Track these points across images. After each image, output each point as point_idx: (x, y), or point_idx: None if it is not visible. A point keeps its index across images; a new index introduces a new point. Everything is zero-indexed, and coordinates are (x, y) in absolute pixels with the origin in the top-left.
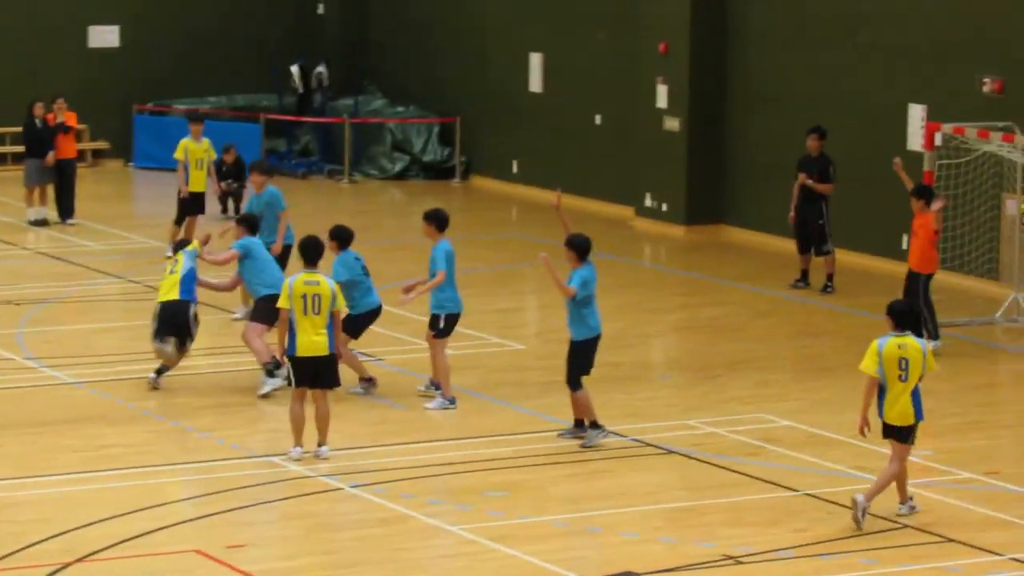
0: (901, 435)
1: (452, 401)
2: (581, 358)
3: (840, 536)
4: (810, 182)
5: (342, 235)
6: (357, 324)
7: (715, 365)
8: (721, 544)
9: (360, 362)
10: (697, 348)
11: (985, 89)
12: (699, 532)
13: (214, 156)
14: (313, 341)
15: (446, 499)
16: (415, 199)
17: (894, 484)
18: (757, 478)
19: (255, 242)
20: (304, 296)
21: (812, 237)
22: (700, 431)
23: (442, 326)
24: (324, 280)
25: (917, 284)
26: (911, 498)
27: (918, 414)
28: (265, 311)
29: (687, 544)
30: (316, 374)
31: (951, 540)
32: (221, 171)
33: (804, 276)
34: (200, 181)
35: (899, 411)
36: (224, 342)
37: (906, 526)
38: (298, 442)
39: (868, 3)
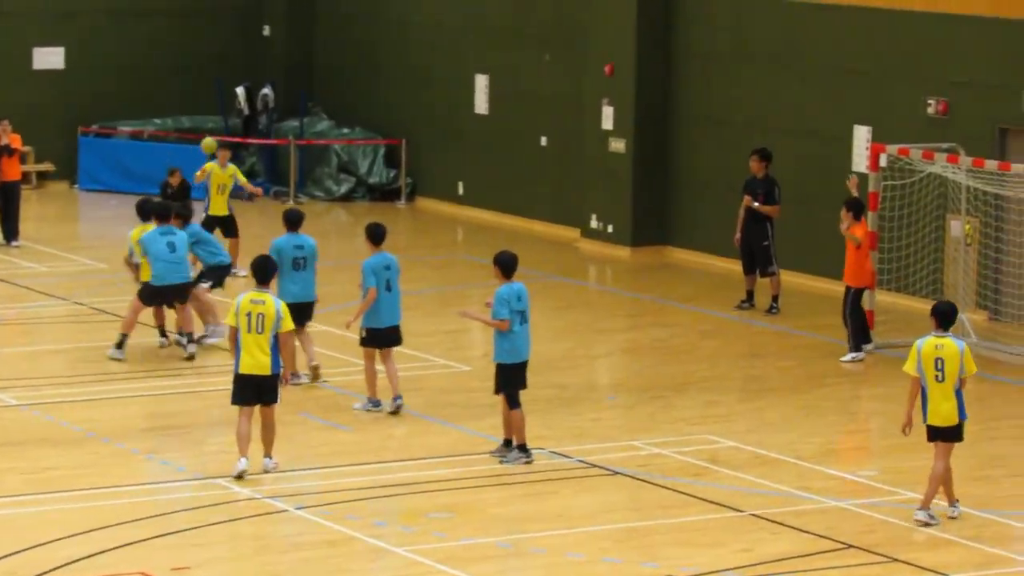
0: (945, 435)
1: (376, 404)
2: (502, 379)
3: (785, 556)
4: (756, 204)
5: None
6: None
7: (661, 386)
8: (666, 565)
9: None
10: (643, 369)
11: (930, 110)
12: (644, 553)
13: (240, 181)
14: (256, 360)
15: (391, 521)
16: (360, 221)
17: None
18: (702, 499)
19: (195, 227)
20: (249, 314)
21: (757, 258)
22: (646, 452)
23: (363, 335)
24: (271, 300)
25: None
26: (957, 500)
27: (961, 413)
28: (214, 275)
29: (632, 565)
30: (259, 392)
31: (896, 560)
32: (167, 194)
33: (750, 297)
34: (221, 205)
35: (940, 412)
36: (169, 365)
37: (851, 546)
38: (243, 453)
39: (813, 25)
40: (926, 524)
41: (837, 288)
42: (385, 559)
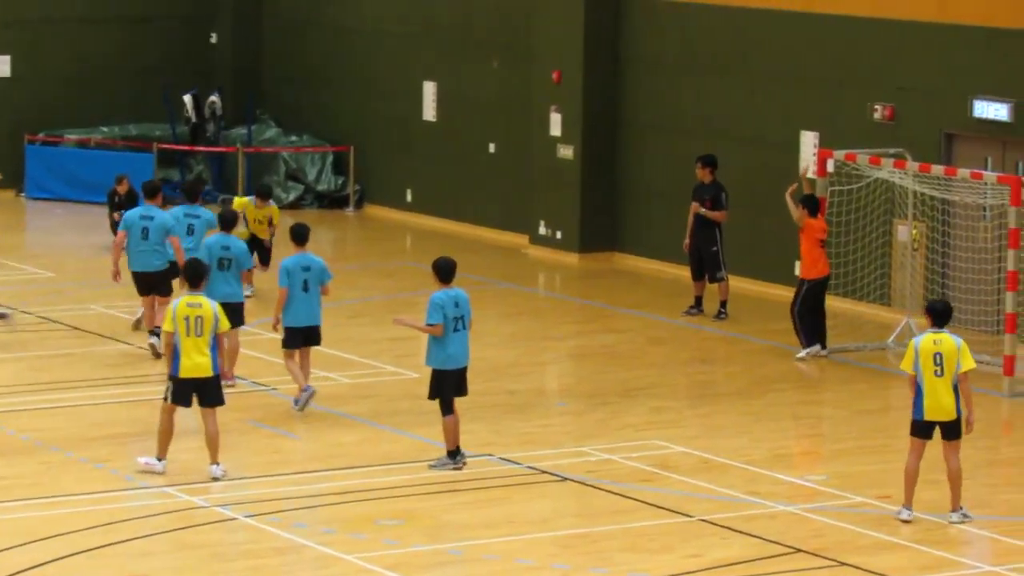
0: (948, 431)
1: (307, 389)
2: (436, 385)
3: (735, 561)
4: (703, 210)
5: None
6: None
7: (609, 392)
8: (616, 570)
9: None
10: (592, 375)
11: (876, 116)
12: (594, 559)
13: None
14: (196, 363)
15: (340, 528)
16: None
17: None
18: (652, 504)
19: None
20: (187, 318)
21: (706, 264)
22: (595, 458)
23: (283, 335)
24: (207, 302)
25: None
26: (963, 506)
27: (959, 408)
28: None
29: (582, 571)
30: (199, 394)
31: (844, 564)
32: (114, 201)
33: (698, 303)
34: (262, 232)
35: (942, 407)
36: (120, 373)
37: (799, 551)
38: (161, 455)
39: (759, 31)
40: (962, 521)
41: (785, 293)
42: (335, 566)
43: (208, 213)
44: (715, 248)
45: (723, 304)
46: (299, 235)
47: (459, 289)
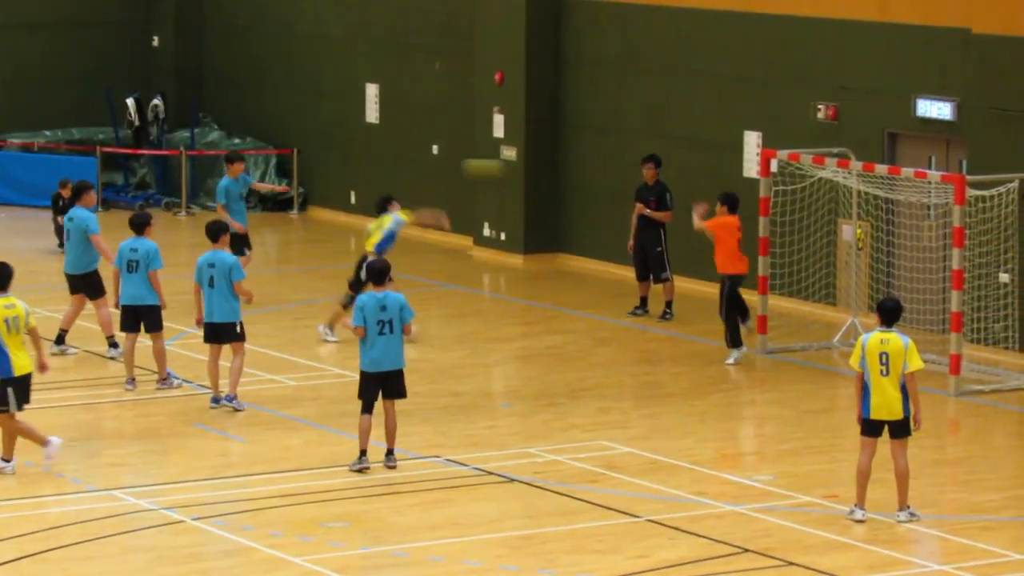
0: (895, 430)
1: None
2: (360, 386)
3: (682, 562)
4: (648, 211)
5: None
6: None
7: (555, 393)
8: (563, 572)
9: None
10: (537, 376)
11: (819, 116)
12: (541, 560)
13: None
14: (23, 360)
15: (286, 531)
16: (253, 230)
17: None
18: (599, 505)
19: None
20: (7, 320)
21: (651, 264)
22: (541, 459)
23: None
24: (17, 302)
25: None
26: (908, 505)
27: (905, 408)
28: None
29: (529, 572)
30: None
31: (792, 564)
32: (59, 205)
33: (643, 303)
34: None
35: (888, 405)
36: (68, 376)
37: (747, 550)
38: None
39: (700, 32)
40: (909, 520)
41: None
42: (283, 569)
43: (79, 219)
44: (660, 248)
45: (668, 304)
46: (209, 232)
47: (392, 292)
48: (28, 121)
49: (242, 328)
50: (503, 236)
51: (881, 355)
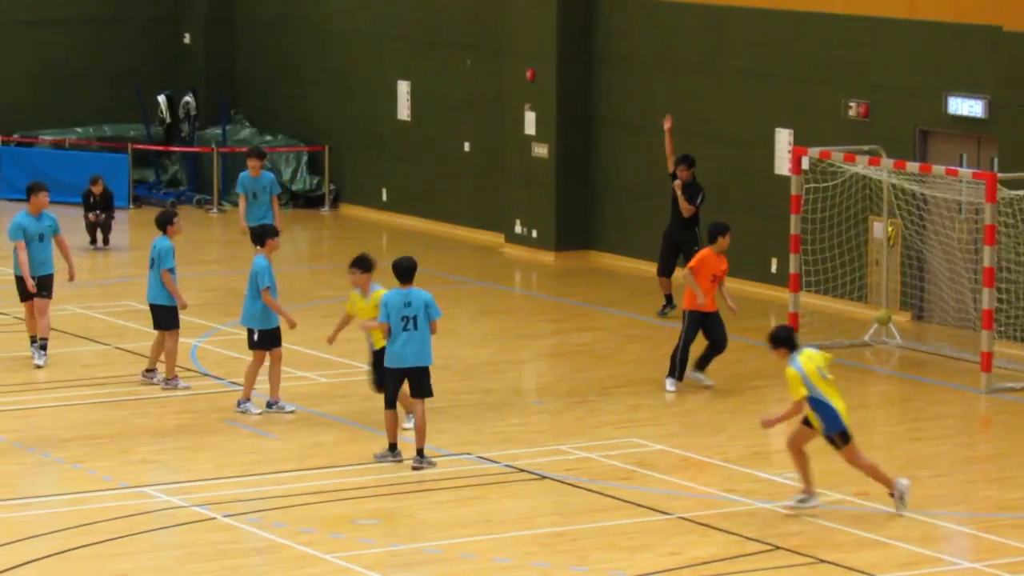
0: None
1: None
2: (386, 381)
3: (714, 559)
4: (680, 193)
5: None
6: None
7: (587, 390)
8: (594, 569)
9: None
10: (568, 374)
11: (851, 113)
12: (572, 557)
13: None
14: None
15: (318, 528)
16: (284, 228)
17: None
18: (630, 502)
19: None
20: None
21: (688, 261)
22: (573, 456)
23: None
24: None
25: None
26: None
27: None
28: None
29: (560, 569)
30: None
31: (823, 561)
32: (89, 202)
33: (669, 300)
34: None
35: (844, 407)
36: (92, 373)
37: (778, 548)
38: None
39: (731, 29)
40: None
41: (762, 292)
42: (314, 566)
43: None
44: (696, 247)
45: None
46: (157, 221)
47: (417, 289)
48: (59, 118)
49: (260, 336)
50: (534, 233)
51: (817, 369)
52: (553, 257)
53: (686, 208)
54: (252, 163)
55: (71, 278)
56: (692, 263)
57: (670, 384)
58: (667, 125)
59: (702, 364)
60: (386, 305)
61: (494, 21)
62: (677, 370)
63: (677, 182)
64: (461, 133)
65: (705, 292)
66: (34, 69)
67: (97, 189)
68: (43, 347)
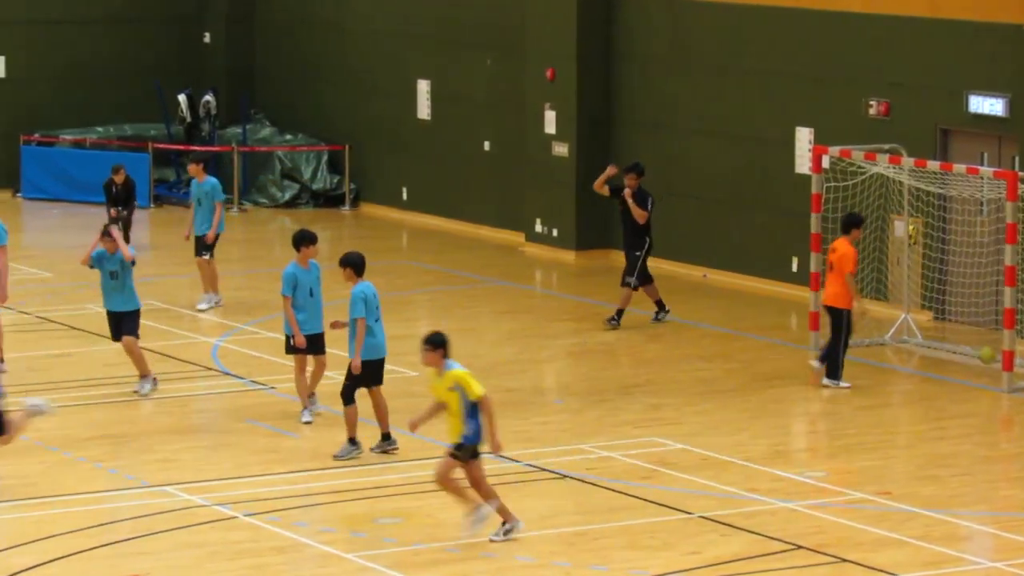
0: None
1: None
2: (360, 376)
3: (735, 558)
4: (631, 200)
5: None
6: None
7: (607, 390)
8: (616, 568)
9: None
10: (589, 373)
11: (871, 112)
12: (594, 556)
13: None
14: None
15: (339, 527)
16: (305, 227)
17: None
18: (651, 501)
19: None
20: None
21: (627, 266)
22: (594, 455)
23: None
24: None
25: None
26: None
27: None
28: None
29: (582, 568)
30: None
31: (845, 560)
32: (111, 192)
33: (661, 306)
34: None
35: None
36: (113, 372)
37: (800, 547)
38: None
39: (751, 27)
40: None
41: (780, 290)
42: (336, 565)
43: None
44: (638, 253)
45: (620, 313)
46: (301, 239)
47: (369, 282)
48: (80, 117)
49: (288, 340)
50: (555, 232)
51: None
52: (573, 256)
53: (640, 215)
54: (192, 168)
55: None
56: (850, 265)
57: (831, 383)
58: (610, 172)
59: (827, 357)
60: (364, 300)
61: (514, 20)
62: (839, 370)
63: (627, 191)
64: (482, 132)
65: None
66: (54, 68)
67: (119, 178)
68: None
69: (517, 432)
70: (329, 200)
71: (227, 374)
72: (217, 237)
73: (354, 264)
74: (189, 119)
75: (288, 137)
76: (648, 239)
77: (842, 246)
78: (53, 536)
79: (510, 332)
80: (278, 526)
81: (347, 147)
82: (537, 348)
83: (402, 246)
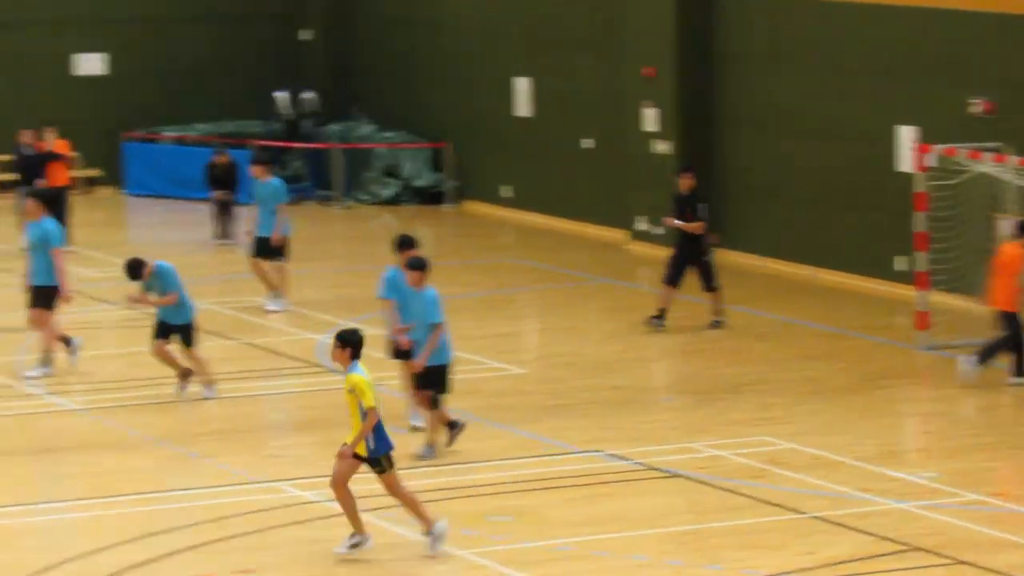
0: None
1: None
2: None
3: (849, 559)
4: (678, 223)
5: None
6: None
7: (716, 388)
8: (729, 567)
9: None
10: (698, 371)
11: (974, 109)
12: (706, 555)
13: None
14: None
15: (450, 524)
16: (407, 225)
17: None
18: (763, 501)
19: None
20: None
21: (701, 275)
22: (704, 454)
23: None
24: None
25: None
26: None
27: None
28: None
29: (695, 568)
30: None
31: (962, 562)
32: (213, 174)
33: (662, 314)
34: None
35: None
36: (224, 368)
37: (914, 548)
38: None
39: (852, 25)
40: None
41: (882, 289)
42: (447, 562)
43: None
44: (706, 259)
45: (718, 313)
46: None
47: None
48: (181, 115)
49: (392, 344)
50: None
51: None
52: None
53: (695, 227)
54: (254, 170)
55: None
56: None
57: (1017, 380)
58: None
59: (987, 357)
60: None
61: (614, 18)
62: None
63: (669, 220)
64: (582, 130)
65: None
66: (156, 66)
67: (222, 160)
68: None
69: (626, 430)
70: (431, 197)
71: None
72: (285, 240)
73: (422, 267)
74: (291, 117)
75: (389, 134)
76: (708, 243)
77: (1012, 250)
78: (166, 531)
79: (615, 330)
80: (389, 522)
81: (449, 144)
82: (643, 346)
83: (504, 243)
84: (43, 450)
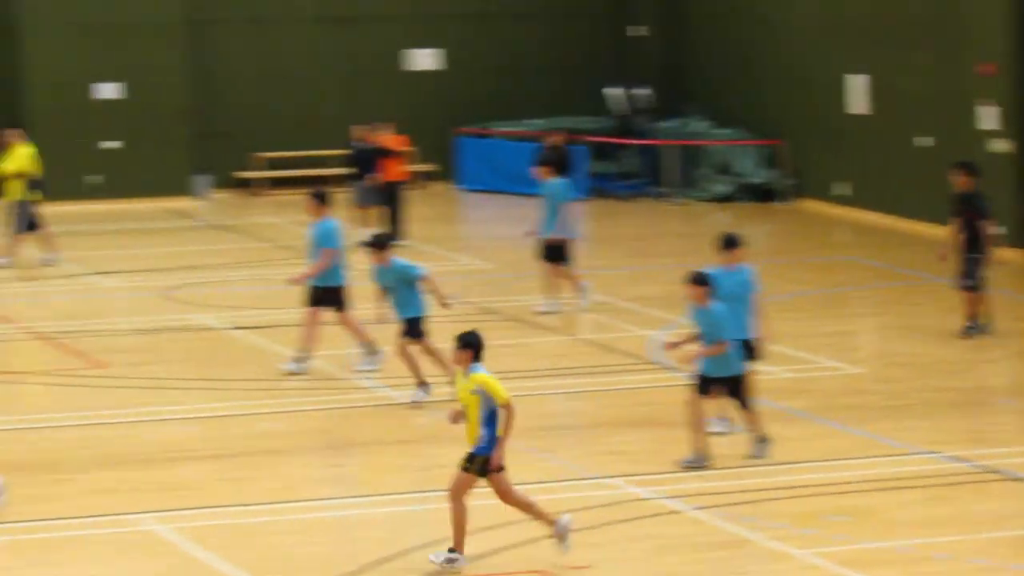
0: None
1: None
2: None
3: None
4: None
5: None
6: None
7: None
8: None
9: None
10: None
11: None
12: None
13: None
14: None
15: (787, 523)
16: (742, 223)
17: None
18: None
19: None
20: None
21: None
22: None
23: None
24: None
25: None
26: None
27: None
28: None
29: None
30: None
31: None
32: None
33: (974, 318)
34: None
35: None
36: (554, 364)
37: None
38: None
39: None
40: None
41: None
42: (785, 561)
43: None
44: (976, 256)
45: (972, 318)
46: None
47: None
48: (512, 110)
49: None
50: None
51: None
52: (1021, 254)
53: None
54: (538, 170)
55: None
56: None
57: None
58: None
59: None
60: None
61: (952, 13)
62: None
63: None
64: (921, 128)
65: None
66: (491, 61)
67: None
68: None
69: (966, 432)
70: (765, 195)
71: (669, 368)
72: (566, 242)
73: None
74: (627, 112)
75: (724, 131)
76: (985, 244)
77: None
78: (499, 526)
79: (951, 331)
80: (725, 520)
81: (785, 142)
82: (983, 347)
83: (840, 241)
84: (376, 443)
